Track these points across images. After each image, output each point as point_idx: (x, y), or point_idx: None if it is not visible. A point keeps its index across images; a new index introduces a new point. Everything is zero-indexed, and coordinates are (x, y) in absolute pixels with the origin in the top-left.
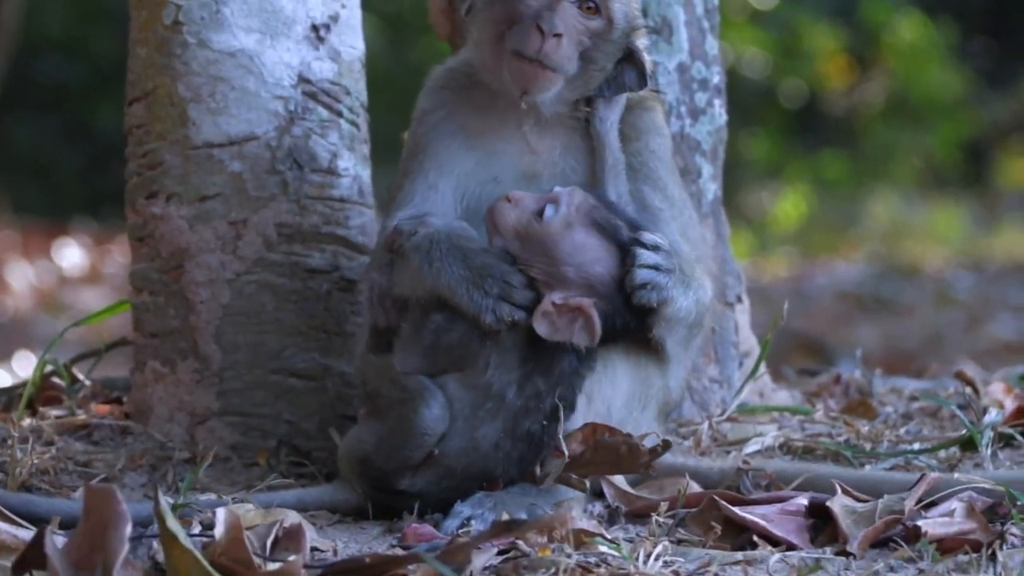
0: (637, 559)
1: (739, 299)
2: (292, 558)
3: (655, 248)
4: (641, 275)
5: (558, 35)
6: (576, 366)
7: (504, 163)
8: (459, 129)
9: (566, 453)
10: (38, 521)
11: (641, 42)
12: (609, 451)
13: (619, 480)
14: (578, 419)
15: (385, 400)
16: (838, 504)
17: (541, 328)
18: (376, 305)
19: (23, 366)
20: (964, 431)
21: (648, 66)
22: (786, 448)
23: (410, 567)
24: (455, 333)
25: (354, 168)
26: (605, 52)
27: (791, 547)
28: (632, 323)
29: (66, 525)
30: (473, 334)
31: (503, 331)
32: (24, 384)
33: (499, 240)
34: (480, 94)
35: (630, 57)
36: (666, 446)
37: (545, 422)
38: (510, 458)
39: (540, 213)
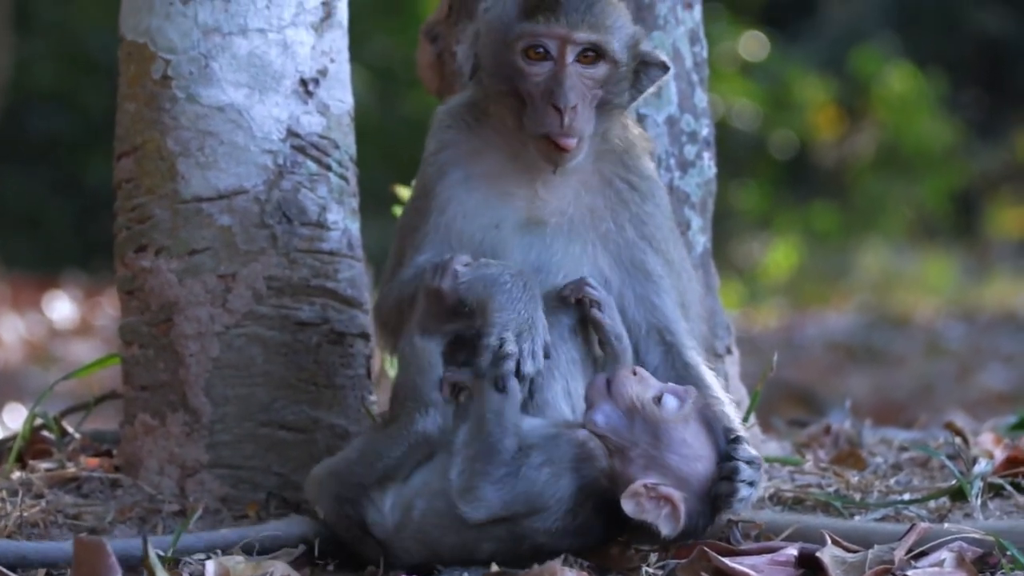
0: None
1: (728, 350)
2: None
3: (750, 463)
4: (743, 492)
5: (574, 106)
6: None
7: (510, 208)
8: (466, 170)
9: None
10: (27, 568)
11: (646, 44)
12: (599, 554)
13: None
14: None
15: (400, 400)
16: (828, 554)
17: (628, 506)
18: (438, 272)
19: (13, 418)
20: (954, 481)
21: (663, 56)
22: (776, 498)
23: None
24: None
25: (343, 221)
26: (619, 87)
27: None
28: (710, 523)
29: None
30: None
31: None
32: (14, 437)
33: (607, 407)
34: (489, 135)
35: (643, 63)
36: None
37: None
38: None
39: (658, 398)
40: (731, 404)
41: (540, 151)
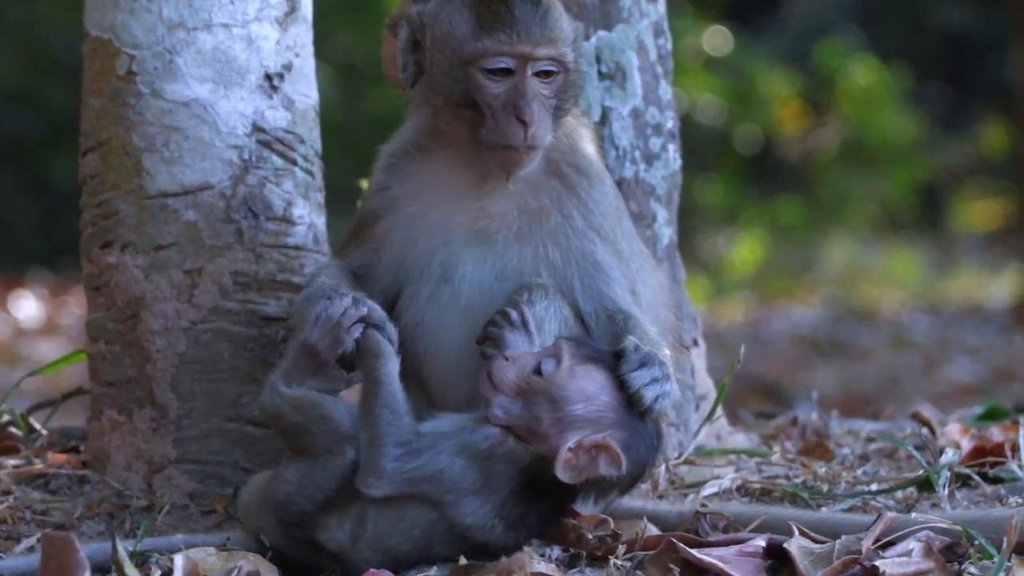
0: None
1: (695, 343)
2: None
3: (643, 364)
4: (648, 394)
5: (538, 119)
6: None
7: (457, 226)
8: (410, 204)
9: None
10: None
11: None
12: (560, 535)
13: None
14: None
15: (313, 437)
16: (796, 545)
17: (567, 476)
18: (345, 331)
19: None
20: (921, 472)
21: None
22: (743, 490)
23: None
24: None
25: (309, 216)
26: (571, 92)
27: None
28: (655, 442)
29: None
30: None
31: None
32: None
33: (499, 399)
34: (432, 167)
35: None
36: (615, 538)
37: None
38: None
39: (537, 369)
40: (656, 334)
41: (497, 160)
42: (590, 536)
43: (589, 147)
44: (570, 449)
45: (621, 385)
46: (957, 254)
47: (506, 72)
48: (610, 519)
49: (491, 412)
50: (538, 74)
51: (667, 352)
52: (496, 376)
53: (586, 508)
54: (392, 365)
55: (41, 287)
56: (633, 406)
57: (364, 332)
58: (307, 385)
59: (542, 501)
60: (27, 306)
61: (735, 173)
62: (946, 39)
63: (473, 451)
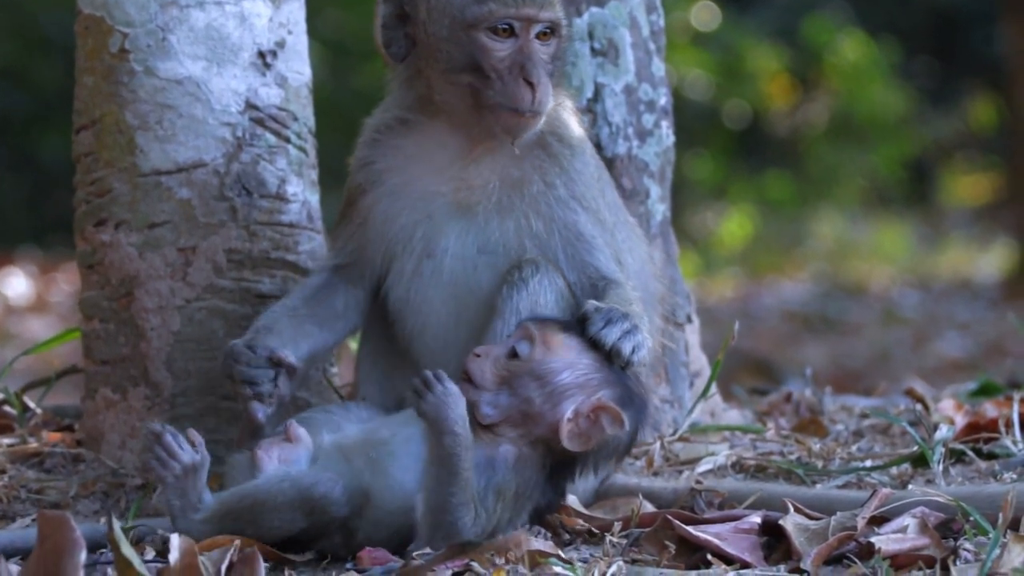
0: None
1: (689, 319)
2: None
3: (608, 321)
4: (624, 347)
5: (544, 81)
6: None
7: (439, 198)
8: (393, 177)
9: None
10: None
11: None
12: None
13: (572, 500)
14: None
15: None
16: (791, 522)
17: (575, 444)
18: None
19: None
20: (915, 448)
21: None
22: (738, 467)
23: None
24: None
25: (303, 193)
26: (564, 59)
27: (745, 565)
28: (644, 393)
29: (11, 555)
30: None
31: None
32: None
33: (485, 397)
34: (416, 140)
35: None
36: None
37: None
38: None
39: (512, 354)
40: (638, 300)
41: (503, 124)
42: (566, 537)
43: (572, 118)
44: (570, 419)
45: (596, 346)
46: (946, 229)
47: (509, 33)
48: (580, 519)
49: (481, 413)
50: (537, 37)
51: (637, 309)
52: (475, 374)
53: (587, 482)
54: (465, 441)
55: (31, 264)
56: (613, 362)
57: (428, 397)
58: (246, 446)
59: (544, 488)
60: (16, 284)
61: (724, 148)
62: (934, 13)
63: (503, 488)
